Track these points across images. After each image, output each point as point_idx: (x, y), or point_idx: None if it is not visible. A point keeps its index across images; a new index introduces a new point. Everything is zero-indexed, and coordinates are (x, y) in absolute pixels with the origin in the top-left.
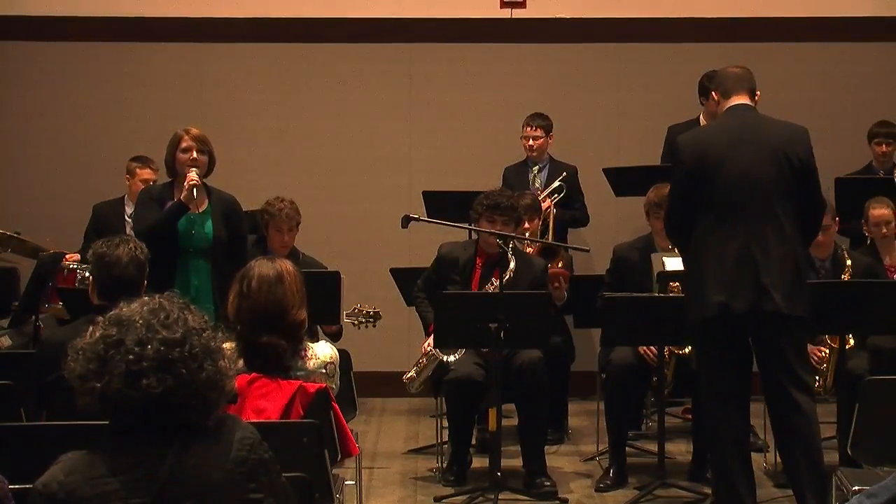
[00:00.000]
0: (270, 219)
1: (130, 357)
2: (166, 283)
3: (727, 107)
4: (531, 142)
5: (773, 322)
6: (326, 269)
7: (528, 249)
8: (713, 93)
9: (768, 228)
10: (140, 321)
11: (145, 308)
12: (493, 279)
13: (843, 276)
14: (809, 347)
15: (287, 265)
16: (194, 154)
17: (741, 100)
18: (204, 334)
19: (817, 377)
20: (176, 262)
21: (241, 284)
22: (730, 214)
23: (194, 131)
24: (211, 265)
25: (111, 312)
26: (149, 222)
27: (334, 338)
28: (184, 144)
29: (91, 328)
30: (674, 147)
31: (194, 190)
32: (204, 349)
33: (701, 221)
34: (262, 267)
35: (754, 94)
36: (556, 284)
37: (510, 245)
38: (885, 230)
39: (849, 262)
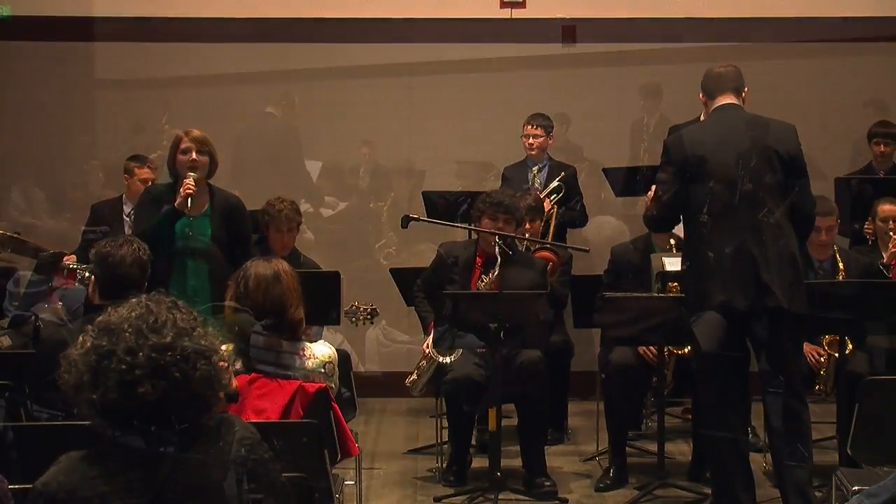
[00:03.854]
0: (270, 220)
1: (123, 367)
2: (162, 284)
3: (714, 107)
4: (531, 140)
5: (774, 318)
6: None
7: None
8: (700, 95)
9: (763, 225)
10: (129, 329)
11: (133, 314)
12: (484, 276)
13: (836, 279)
14: (808, 348)
15: (283, 265)
16: (194, 155)
17: (727, 99)
18: (194, 333)
19: (817, 378)
20: (172, 262)
21: (237, 286)
22: (723, 213)
23: (194, 132)
24: (210, 266)
25: (99, 319)
26: (142, 228)
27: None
28: (183, 146)
29: (81, 337)
30: (663, 148)
31: (189, 199)
32: (196, 349)
33: (695, 222)
34: (258, 267)
35: (741, 93)
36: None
37: (496, 241)
38: (892, 225)
39: (841, 266)
